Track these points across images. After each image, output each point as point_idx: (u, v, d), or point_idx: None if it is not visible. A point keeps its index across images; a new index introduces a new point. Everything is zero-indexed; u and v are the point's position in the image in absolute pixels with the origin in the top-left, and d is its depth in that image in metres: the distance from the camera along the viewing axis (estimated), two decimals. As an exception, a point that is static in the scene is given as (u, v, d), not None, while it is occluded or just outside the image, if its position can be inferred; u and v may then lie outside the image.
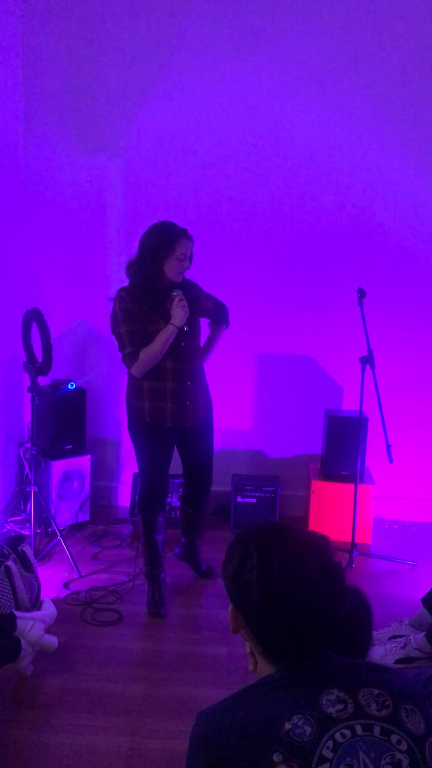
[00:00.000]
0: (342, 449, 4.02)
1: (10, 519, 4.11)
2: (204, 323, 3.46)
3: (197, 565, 3.69)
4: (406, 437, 4.27)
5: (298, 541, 1.32)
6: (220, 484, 4.02)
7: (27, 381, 3.85)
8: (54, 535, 3.81)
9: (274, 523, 1.42)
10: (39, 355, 3.75)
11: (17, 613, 2.85)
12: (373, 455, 4.14)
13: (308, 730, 1.17)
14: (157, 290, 3.15)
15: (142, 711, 2.68)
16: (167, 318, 3.13)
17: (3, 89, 3.91)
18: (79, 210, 4.27)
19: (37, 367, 3.72)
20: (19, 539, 3.23)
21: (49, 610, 2.99)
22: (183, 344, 3.20)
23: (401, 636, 2.99)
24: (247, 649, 1.39)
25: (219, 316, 3.52)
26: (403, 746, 1.18)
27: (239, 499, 4.19)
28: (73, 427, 4.18)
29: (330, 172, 4.15)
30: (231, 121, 4.13)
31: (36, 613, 2.93)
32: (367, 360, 3.65)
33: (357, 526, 3.82)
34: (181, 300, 3.13)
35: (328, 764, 1.15)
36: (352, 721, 1.19)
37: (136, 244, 3.19)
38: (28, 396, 3.90)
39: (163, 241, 3.10)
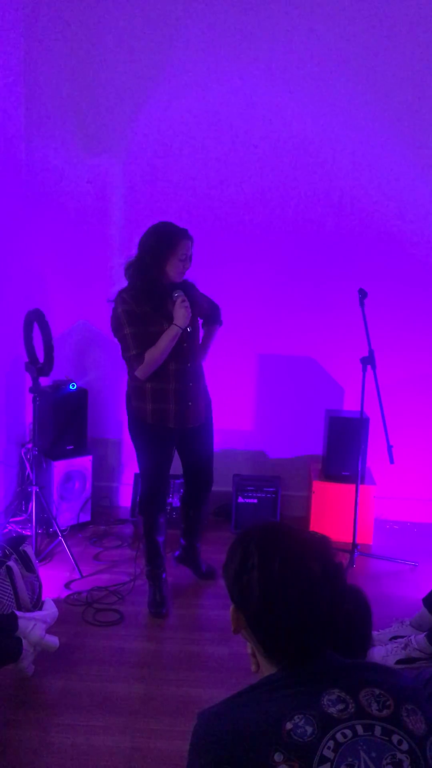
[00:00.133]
0: (343, 450, 4.02)
1: (12, 519, 4.11)
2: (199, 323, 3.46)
3: (197, 567, 3.68)
4: (407, 438, 4.27)
5: (299, 541, 1.32)
6: (221, 485, 4.02)
7: (28, 381, 3.86)
8: (55, 535, 3.82)
9: (275, 523, 1.42)
10: (40, 356, 3.75)
11: (19, 613, 2.85)
12: (374, 456, 4.14)
13: (309, 730, 1.17)
14: (159, 291, 3.14)
15: (144, 711, 2.68)
16: (169, 319, 3.12)
17: (4, 90, 3.92)
18: (80, 210, 4.28)
19: (38, 367, 3.73)
20: (21, 539, 3.23)
21: (50, 610, 2.99)
22: (185, 345, 3.20)
23: (402, 636, 2.99)
24: (249, 650, 1.39)
25: (213, 315, 3.52)
26: (404, 746, 1.18)
27: (240, 500, 4.19)
28: (75, 427, 4.19)
29: (330, 173, 4.16)
30: (231, 122, 4.13)
31: (37, 614, 2.93)
32: (368, 360, 3.65)
33: (358, 527, 3.83)
34: (183, 301, 3.12)
35: (329, 764, 1.15)
36: (353, 721, 1.19)
37: (137, 244, 3.19)
38: (29, 396, 3.91)
39: (164, 241, 3.09)
